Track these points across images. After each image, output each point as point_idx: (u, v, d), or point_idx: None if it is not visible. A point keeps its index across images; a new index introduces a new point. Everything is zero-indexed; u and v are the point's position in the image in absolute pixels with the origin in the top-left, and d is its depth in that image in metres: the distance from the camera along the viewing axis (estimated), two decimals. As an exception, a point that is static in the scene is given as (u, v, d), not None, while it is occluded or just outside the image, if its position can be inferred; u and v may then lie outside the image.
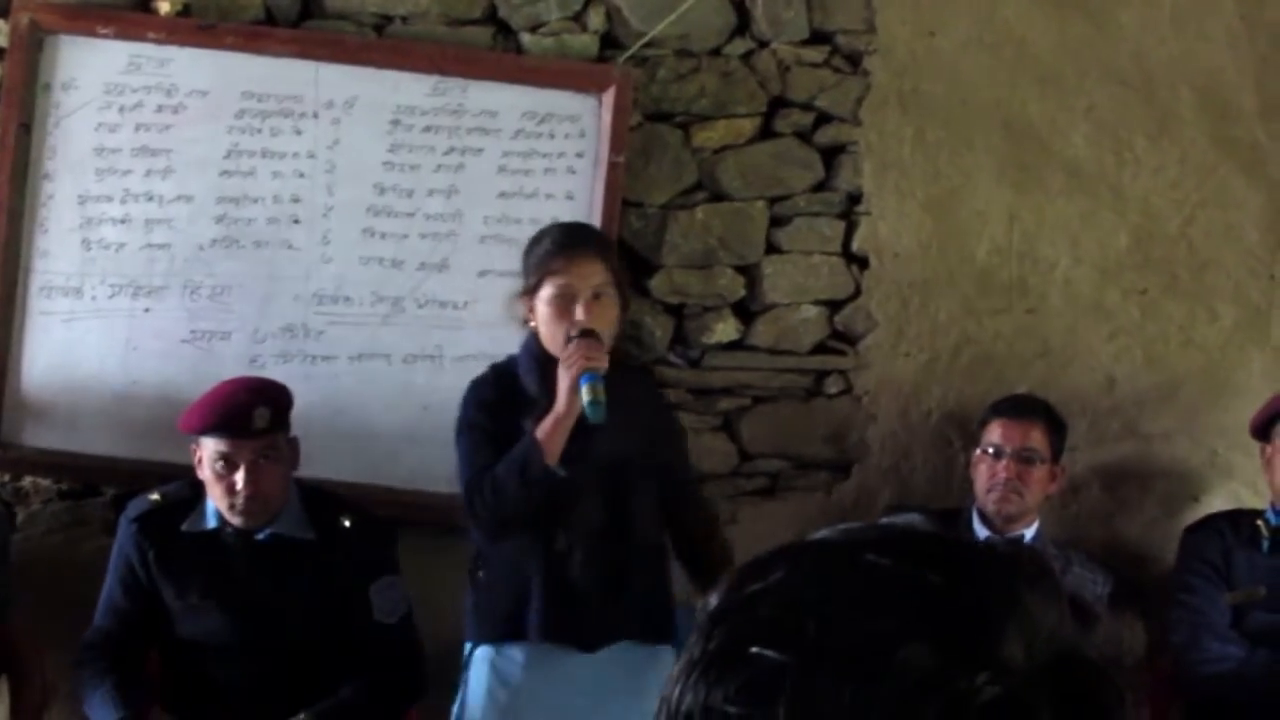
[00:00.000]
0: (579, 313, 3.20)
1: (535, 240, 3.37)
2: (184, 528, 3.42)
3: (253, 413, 3.29)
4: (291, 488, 3.47)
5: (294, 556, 3.42)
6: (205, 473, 3.35)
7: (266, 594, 3.40)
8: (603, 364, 3.15)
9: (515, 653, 3.32)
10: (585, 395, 3.10)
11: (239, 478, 3.31)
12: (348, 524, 3.48)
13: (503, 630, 3.34)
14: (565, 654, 3.30)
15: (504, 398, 3.32)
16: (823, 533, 0.92)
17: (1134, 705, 0.87)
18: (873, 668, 0.80)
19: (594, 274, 3.24)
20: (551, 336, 3.24)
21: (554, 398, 3.21)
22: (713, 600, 0.90)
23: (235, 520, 3.37)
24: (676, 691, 0.86)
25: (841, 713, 0.79)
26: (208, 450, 3.33)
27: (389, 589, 3.49)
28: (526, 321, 3.32)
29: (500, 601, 3.34)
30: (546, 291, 3.24)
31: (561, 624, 3.29)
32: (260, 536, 3.41)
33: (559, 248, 3.27)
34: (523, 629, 3.30)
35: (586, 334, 3.17)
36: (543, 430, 3.20)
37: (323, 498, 3.53)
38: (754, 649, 0.83)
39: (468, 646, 3.40)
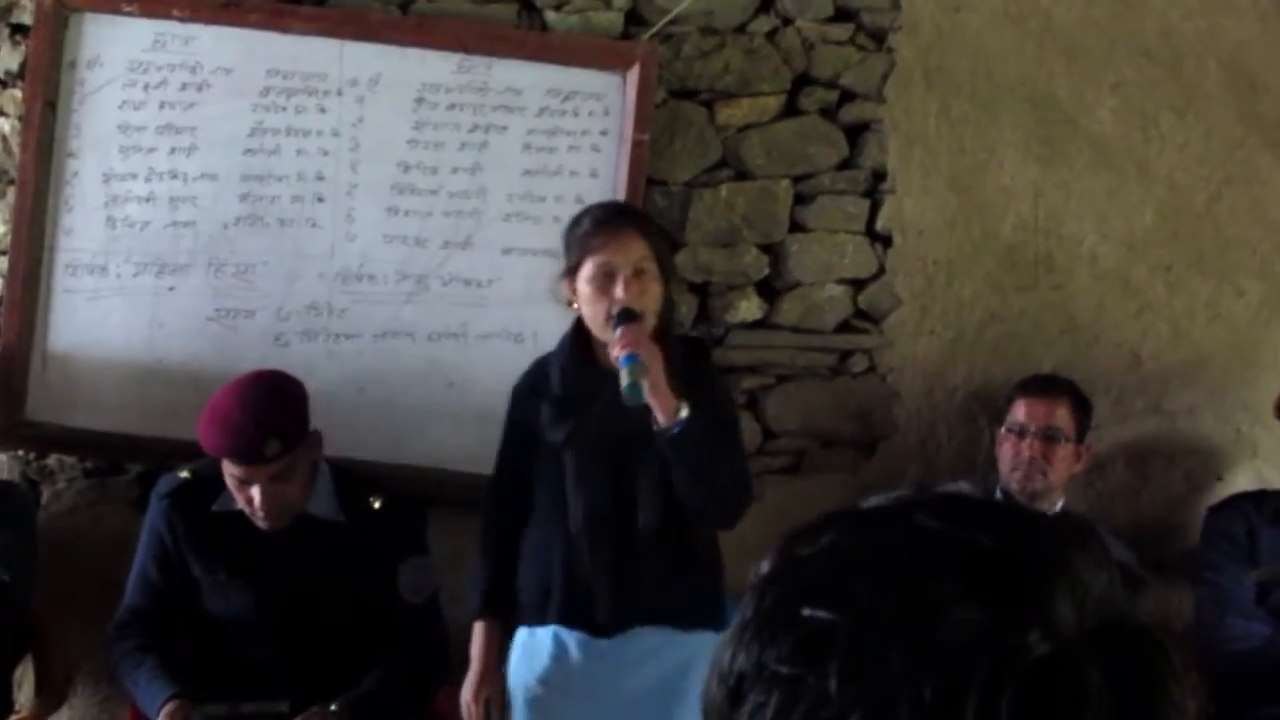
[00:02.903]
0: (619, 290, 3.11)
1: (576, 220, 3.28)
2: (214, 508, 3.40)
3: (263, 446, 3.23)
4: (323, 469, 3.46)
5: (323, 538, 3.41)
6: (226, 477, 3.34)
7: (295, 575, 3.40)
8: (642, 347, 3.05)
9: (544, 636, 3.30)
10: (624, 378, 3.00)
11: (255, 494, 3.29)
12: (377, 506, 3.47)
13: (531, 614, 3.33)
14: (588, 639, 3.27)
15: (534, 387, 3.30)
16: (873, 499, 0.92)
17: (1184, 669, 0.87)
18: (923, 627, 0.80)
19: (634, 250, 3.15)
20: (594, 315, 3.16)
21: (571, 389, 3.22)
22: (765, 563, 0.90)
23: (257, 524, 3.36)
24: (729, 652, 0.87)
25: (892, 672, 0.79)
26: (224, 465, 3.31)
27: (418, 569, 3.47)
28: (570, 303, 3.24)
29: (529, 584, 3.33)
30: (587, 270, 3.15)
31: (575, 609, 3.25)
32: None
33: (599, 225, 3.19)
34: (546, 612, 3.28)
35: (627, 313, 3.09)
36: None
37: (354, 479, 3.52)
38: (806, 610, 0.83)
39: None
